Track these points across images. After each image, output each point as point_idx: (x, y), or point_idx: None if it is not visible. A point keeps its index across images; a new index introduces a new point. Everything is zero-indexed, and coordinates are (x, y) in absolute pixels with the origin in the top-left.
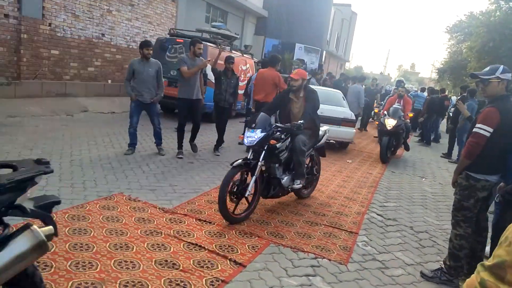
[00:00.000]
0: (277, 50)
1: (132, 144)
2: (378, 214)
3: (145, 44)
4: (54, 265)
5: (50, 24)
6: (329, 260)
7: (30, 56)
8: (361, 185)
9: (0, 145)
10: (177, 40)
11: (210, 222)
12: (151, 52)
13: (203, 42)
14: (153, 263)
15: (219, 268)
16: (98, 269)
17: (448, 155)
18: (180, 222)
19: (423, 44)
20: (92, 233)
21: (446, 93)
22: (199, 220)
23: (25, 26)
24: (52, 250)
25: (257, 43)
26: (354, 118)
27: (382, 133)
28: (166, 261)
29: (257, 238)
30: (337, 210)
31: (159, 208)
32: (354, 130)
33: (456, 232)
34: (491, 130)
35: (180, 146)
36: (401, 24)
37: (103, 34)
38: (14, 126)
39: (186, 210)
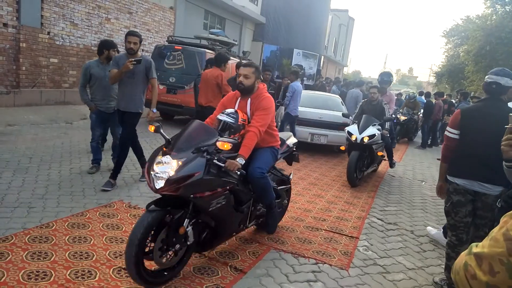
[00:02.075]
0: (275, 56)
1: (96, 160)
2: (378, 219)
3: (111, 45)
4: (53, 274)
5: (49, 33)
6: (330, 265)
7: (29, 64)
8: (361, 189)
9: (0, 154)
10: (176, 47)
11: None
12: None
13: (201, 48)
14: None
15: (220, 275)
16: (97, 278)
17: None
18: None
19: (421, 48)
20: (92, 241)
21: (445, 97)
22: None
23: (24, 35)
24: (51, 259)
25: (255, 49)
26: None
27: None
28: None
29: (257, 244)
30: (337, 215)
31: None
32: None
33: (447, 240)
34: (455, 131)
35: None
36: (399, 29)
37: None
38: (13, 134)
39: None
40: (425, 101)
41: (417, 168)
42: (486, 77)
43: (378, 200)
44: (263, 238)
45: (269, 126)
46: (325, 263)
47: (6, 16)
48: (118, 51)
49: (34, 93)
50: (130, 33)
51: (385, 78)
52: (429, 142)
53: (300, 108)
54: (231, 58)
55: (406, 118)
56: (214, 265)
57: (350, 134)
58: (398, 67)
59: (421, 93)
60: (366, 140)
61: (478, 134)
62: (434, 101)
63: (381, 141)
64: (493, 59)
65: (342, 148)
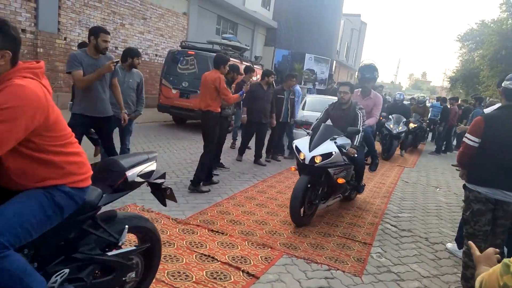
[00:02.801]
0: (287, 61)
1: None
2: (392, 225)
3: (136, 53)
4: None
5: (65, 38)
6: (343, 271)
7: (46, 69)
8: (374, 195)
9: None
10: (189, 52)
11: (222, 233)
12: (140, 62)
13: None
14: (165, 275)
15: (232, 279)
16: None
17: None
18: (192, 233)
19: (434, 53)
20: None
21: (459, 102)
22: (212, 231)
23: (41, 40)
24: None
25: (267, 54)
26: None
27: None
28: (179, 272)
29: (269, 249)
30: (350, 220)
31: (172, 219)
32: None
33: (464, 248)
34: (476, 139)
35: None
36: (412, 33)
37: (116, 47)
38: None
39: (198, 220)
40: (441, 106)
41: (431, 174)
42: (508, 82)
43: (391, 206)
44: (275, 243)
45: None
46: (338, 269)
47: (25, 22)
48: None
49: None
50: (105, 31)
51: (367, 74)
52: (443, 148)
53: (310, 113)
54: (243, 62)
55: (416, 125)
56: (227, 269)
57: (297, 150)
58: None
59: (438, 99)
60: (318, 160)
61: (502, 142)
62: (449, 106)
63: (343, 162)
64: (509, 63)
65: (292, 168)
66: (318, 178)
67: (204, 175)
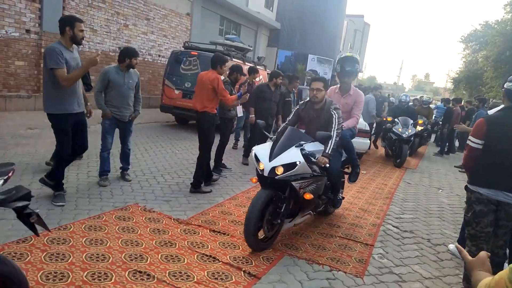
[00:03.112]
0: (290, 61)
1: (105, 172)
2: (394, 226)
3: (134, 54)
4: (71, 276)
5: None
6: (345, 272)
7: None
8: (376, 196)
9: (20, 157)
10: (192, 52)
11: (224, 233)
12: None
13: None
14: (167, 275)
15: (234, 280)
16: (113, 280)
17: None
18: (194, 233)
19: (438, 54)
20: (108, 244)
21: (462, 103)
22: (213, 231)
23: (45, 40)
24: (69, 261)
25: (270, 55)
26: (368, 128)
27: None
28: (180, 272)
29: (271, 249)
30: (352, 221)
31: (173, 219)
32: (369, 141)
33: (465, 250)
34: (479, 141)
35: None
36: (415, 34)
37: (119, 48)
38: (33, 137)
39: (200, 221)
40: (445, 108)
41: (434, 176)
42: (510, 84)
43: (393, 208)
44: (277, 244)
45: None
46: (339, 270)
47: (29, 22)
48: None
49: None
50: (80, 20)
51: (347, 67)
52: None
53: None
54: (246, 63)
55: (422, 128)
56: (228, 270)
57: (256, 159)
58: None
59: (443, 100)
60: (279, 172)
61: (504, 143)
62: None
63: (310, 174)
64: None
65: (253, 180)
66: (281, 193)
67: (204, 177)
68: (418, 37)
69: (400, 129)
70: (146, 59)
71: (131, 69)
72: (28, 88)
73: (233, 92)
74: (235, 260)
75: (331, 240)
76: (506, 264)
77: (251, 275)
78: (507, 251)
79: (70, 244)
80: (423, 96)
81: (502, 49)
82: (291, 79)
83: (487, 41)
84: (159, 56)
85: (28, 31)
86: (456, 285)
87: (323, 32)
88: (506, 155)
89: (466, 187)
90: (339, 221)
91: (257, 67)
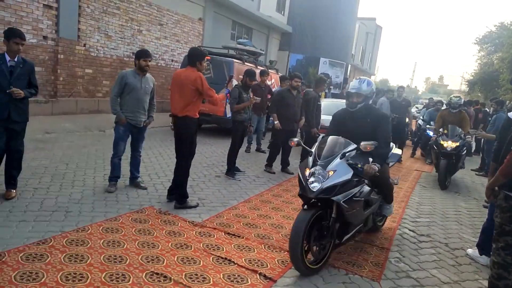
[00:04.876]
0: (301, 65)
1: (115, 178)
2: (410, 230)
3: (143, 54)
4: (89, 277)
5: (85, 45)
6: (361, 276)
7: (66, 75)
8: None
9: (39, 160)
10: None
11: (239, 236)
12: (150, 64)
13: (229, 57)
14: (183, 277)
15: (249, 282)
16: (131, 282)
17: (480, 170)
18: (209, 236)
19: (452, 56)
20: (125, 246)
21: (479, 105)
22: (228, 234)
23: (62, 47)
24: (87, 262)
25: (282, 59)
26: None
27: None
28: (196, 274)
29: (286, 252)
30: None
31: (189, 222)
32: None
33: (494, 260)
34: None
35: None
36: (428, 36)
37: (133, 53)
38: (51, 142)
39: (215, 223)
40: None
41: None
42: None
43: (409, 211)
44: None
45: None
46: (356, 274)
47: (46, 29)
48: (150, 62)
49: (70, 102)
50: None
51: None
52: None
53: (325, 117)
54: (258, 67)
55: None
56: (244, 272)
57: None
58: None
59: (466, 103)
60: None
61: None
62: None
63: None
64: None
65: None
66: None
67: (185, 190)
68: (432, 39)
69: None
70: (159, 64)
71: (147, 74)
72: (45, 93)
73: (247, 96)
74: (251, 263)
75: (346, 243)
76: None
77: (267, 278)
78: None
79: (88, 245)
80: (451, 98)
81: None
82: (317, 82)
83: (502, 43)
84: (172, 61)
85: (45, 37)
86: None
87: (335, 35)
88: None
89: (506, 196)
90: None
91: (269, 70)
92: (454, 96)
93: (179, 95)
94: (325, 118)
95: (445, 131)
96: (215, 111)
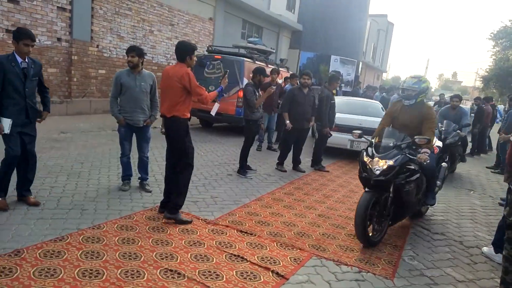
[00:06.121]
0: (312, 63)
1: (127, 176)
2: (424, 228)
3: (128, 50)
4: (105, 273)
5: (98, 46)
6: (374, 274)
7: (79, 76)
8: None
9: (55, 159)
10: (215, 56)
11: (251, 234)
12: (135, 60)
13: (239, 56)
14: (197, 274)
15: (262, 279)
16: (145, 278)
17: (495, 167)
18: (222, 233)
19: (465, 52)
20: (139, 243)
21: (494, 101)
22: (241, 231)
23: (75, 48)
24: (103, 259)
25: (292, 57)
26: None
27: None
28: (210, 271)
29: (298, 250)
30: None
31: (201, 219)
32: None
33: (504, 253)
34: None
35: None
36: (441, 32)
37: (145, 53)
38: (66, 141)
39: (227, 221)
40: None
41: (464, 176)
42: None
43: (422, 209)
44: (304, 245)
45: None
46: (368, 271)
47: (60, 31)
48: (137, 57)
49: (84, 102)
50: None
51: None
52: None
53: (339, 115)
54: (269, 65)
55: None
56: (256, 270)
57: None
58: (441, 71)
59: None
60: (385, 167)
61: None
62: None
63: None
64: None
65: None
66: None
67: (184, 200)
68: (444, 35)
69: None
70: (170, 64)
71: (144, 71)
72: (60, 94)
73: (258, 95)
74: (263, 260)
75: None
76: None
77: (279, 275)
78: None
79: (104, 243)
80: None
81: None
82: (330, 79)
83: None
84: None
85: (59, 39)
86: None
87: (346, 32)
88: None
89: (509, 190)
90: None
91: (280, 69)
92: (411, 77)
93: (166, 94)
94: (340, 117)
95: (379, 141)
96: (227, 110)
